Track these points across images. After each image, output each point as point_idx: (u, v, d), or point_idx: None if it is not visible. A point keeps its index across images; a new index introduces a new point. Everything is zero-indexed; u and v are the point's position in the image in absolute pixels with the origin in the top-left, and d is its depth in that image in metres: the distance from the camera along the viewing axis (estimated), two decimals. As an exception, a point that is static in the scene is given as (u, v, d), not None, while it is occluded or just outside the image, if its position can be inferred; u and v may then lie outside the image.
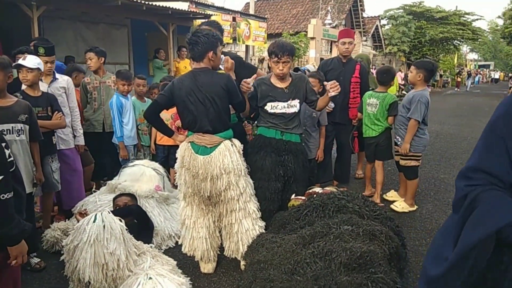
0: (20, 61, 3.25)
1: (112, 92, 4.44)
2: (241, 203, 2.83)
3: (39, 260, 3.11)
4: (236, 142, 2.90)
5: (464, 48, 44.97)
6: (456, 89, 25.72)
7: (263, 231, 2.94)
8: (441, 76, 31.95)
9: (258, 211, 2.94)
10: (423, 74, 3.97)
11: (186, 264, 3.14)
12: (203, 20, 10.46)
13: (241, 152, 2.89)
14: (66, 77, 3.92)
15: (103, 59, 4.40)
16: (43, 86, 3.67)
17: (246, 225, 2.86)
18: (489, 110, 12.57)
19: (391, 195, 4.62)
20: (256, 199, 2.98)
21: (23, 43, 6.45)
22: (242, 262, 2.93)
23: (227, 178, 2.75)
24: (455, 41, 30.49)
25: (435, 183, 5.41)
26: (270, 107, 3.17)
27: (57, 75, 3.84)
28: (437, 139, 8.65)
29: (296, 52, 14.67)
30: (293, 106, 3.18)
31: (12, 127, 2.81)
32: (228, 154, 2.77)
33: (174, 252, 3.33)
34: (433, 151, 7.39)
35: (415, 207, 4.37)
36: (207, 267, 3.04)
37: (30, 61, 3.25)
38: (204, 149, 2.77)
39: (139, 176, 3.78)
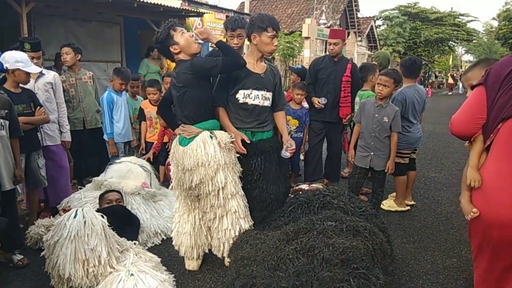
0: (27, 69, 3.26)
1: (90, 89, 4.38)
2: (220, 199, 2.69)
3: (22, 257, 3.06)
4: (218, 133, 2.73)
5: (460, 49, 45.17)
6: (449, 92, 25.71)
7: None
8: (436, 77, 32.10)
9: (244, 210, 2.79)
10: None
11: (171, 261, 3.10)
12: (195, 18, 10.47)
13: (225, 145, 2.68)
14: (53, 73, 3.88)
15: (79, 56, 4.33)
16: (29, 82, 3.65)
17: (226, 223, 2.75)
18: None
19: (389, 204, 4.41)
20: (244, 198, 2.83)
21: (14, 39, 6.42)
22: (227, 259, 2.90)
23: (202, 171, 2.63)
24: (450, 42, 30.65)
25: (425, 182, 5.40)
26: (242, 95, 2.88)
27: (44, 71, 3.80)
28: (430, 139, 8.68)
29: (291, 51, 14.72)
30: (267, 99, 2.96)
31: None
32: (203, 145, 2.64)
33: (160, 249, 3.30)
34: (424, 150, 7.40)
35: (406, 207, 4.29)
36: (191, 264, 2.98)
37: (30, 68, 3.28)
38: (185, 140, 2.72)
39: (126, 173, 3.75)
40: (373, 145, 3.72)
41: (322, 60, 4.77)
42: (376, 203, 3.84)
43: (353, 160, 3.91)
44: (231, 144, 2.75)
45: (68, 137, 3.89)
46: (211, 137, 2.69)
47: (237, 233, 2.76)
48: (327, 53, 4.75)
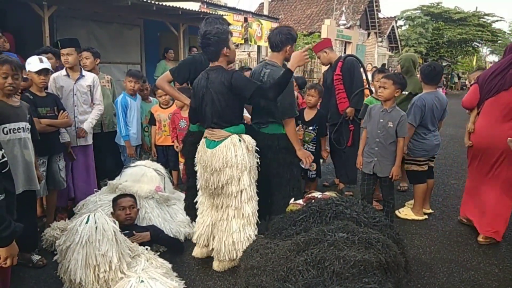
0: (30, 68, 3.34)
1: (107, 92, 4.45)
2: (238, 201, 2.84)
3: (40, 257, 3.13)
4: (246, 137, 2.92)
5: (484, 50, 44.03)
6: None
7: (252, 238, 2.91)
8: (459, 78, 31.37)
9: (254, 217, 2.92)
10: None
11: (183, 267, 3.11)
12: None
13: (252, 148, 2.90)
14: (92, 75, 4.01)
15: (98, 60, 4.44)
16: (69, 83, 3.81)
17: (235, 226, 2.87)
18: None
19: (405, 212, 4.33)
20: (256, 203, 2.95)
21: (35, 42, 6.57)
22: (215, 264, 3.01)
23: (229, 171, 2.79)
24: (474, 42, 29.90)
25: (444, 189, 5.27)
26: None
27: (84, 72, 3.93)
28: (451, 143, 8.46)
29: (309, 53, 14.66)
30: None
31: (25, 125, 2.88)
32: (233, 148, 2.81)
33: (172, 254, 3.30)
34: (445, 155, 7.22)
35: (424, 216, 4.18)
36: (197, 251, 3.16)
37: (35, 65, 3.32)
38: (213, 143, 2.87)
39: (140, 177, 3.78)
40: (377, 150, 3.64)
41: (326, 73, 4.93)
42: (388, 211, 3.73)
43: (361, 166, 3.85)
44: (256, 148, 2.96)
45: (87, 127, 3.91)
46: (240, 141, 2.87)
47: (242, 239, 2.85)
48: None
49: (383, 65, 20.70)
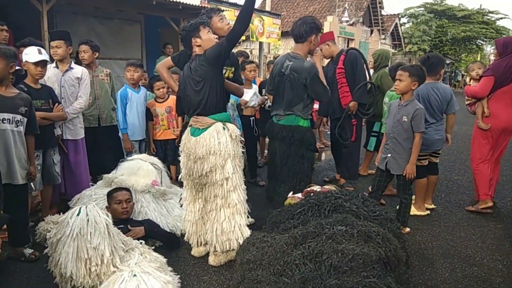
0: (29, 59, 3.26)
1: (106, 86, 4.35)
2: (225, 190, 2.81)
3: (33, 250, 3.07)
4: (230, 126, 2.89)
5: (488, 48, 43.74)
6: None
7: (244, 228, 2.87)
8: (463, 76, 31.15)
9: (243, 206, 2.89)
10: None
11: (178, 262, 3.04)
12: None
13: (235, 137, 2.87)
14: (81, 68, 3.92)
15: (97, 53, 4.33)
16: (57, 75, 3.73)
17: (223, 215, 2.84)
18: None
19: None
20: (245, 192, 2.91)
21: (34, 37, 6.51)
22: (211, 258, 2.98)
23: (213, 159, 2.76)
24: (478, 40, 29.69)
25: (447, 185, 5.18)
26: None
27: (73, 65, 3.85)
28: (454, 140, 8.25)
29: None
30: None
31: (12, 117, 2.82)
32: (216, 135, 2.78)
33: (167, 249, 3.23)
34: (448, 151, 7.12)
35: (426, 212, 4.09)
36: (194, 250, 3.14)
37: (33, 56, 3.24)
38: (198, 131, 2.85)
39: (136, 170, 3.71)
40: (390, 146, 3.54)
41: (327, 66, 4.79)
42: (401, 211, 3.59)
43: (377, 162, 3.77)
44: (240, 137, 2.95)
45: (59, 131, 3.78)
46: (224, 129, 2.83)
47: (232, 228, 2.82)
48: None
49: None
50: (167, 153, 4.55)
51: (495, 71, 3.96)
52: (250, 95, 4.73)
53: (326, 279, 2.06)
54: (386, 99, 4.43)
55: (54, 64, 3.78)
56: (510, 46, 3.97)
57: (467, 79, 5.44)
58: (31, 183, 3.17)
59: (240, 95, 3.44)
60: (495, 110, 4.04)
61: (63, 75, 3.74)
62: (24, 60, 3.29)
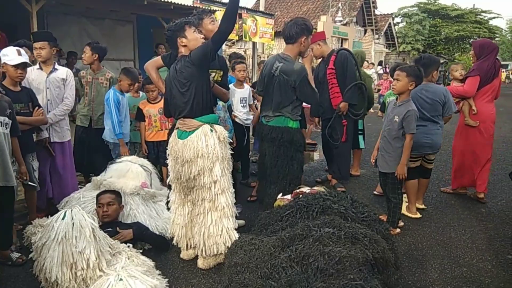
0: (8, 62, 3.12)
1: (102, 91, 4.29)
2: (212, 193, 2.78)
3: (20, 254, 3.04)
4: (218, 128, 2.86)
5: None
6: None
7: (232, 231, 2.85)
8: (455, 75, 31.26)
9: (230, 209, 2.86)
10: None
11: (167, 265, 3.02)
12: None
13: (223, 139, 2.84)
14: (66, 69, 3.87)
15: (97, 55, 4.26)
16: (41, 76, 3.66)
17: (210, 219, 2.81)
18: (504, 110, 12.18)
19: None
20: (233, 195, 2.89)
21: (26, 38, 6.45)
22: (200, 261, 2.95)
23: (201, 162, 2.73)
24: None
25: (438, 185, 5.19)
26: None
27: (57, 66, 3.79)
28: (447, 139, 8.32)
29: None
30: None
31: (3, 119, 2.79)
32: (204, 137, 2.75)
33: (156, 252, 3.20)
34: (440, 151, 7.10)
35: (417, 214, 4.04)
36: (183, 253, 3.12)
37: (13, 58, 3.12)
38: (185, 133, 2.81)
39: (125, 173, 3.68)
40: (381, 145, 3.58)
41: (318, 66, 4.80)
42: (391, 211, 3.60)
43: (373, 161, 3.80)
44: (229, 139, 2.93)
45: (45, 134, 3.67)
46: (211, 131, 2.80)
47: (219, 232, 2.80)
48: None
49: (380, 62, 20.65)
50: (159, 154, 4.50)
51: (480, 71, 4.22)
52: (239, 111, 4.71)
53: (312, 282, 2.05)
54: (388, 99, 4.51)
55: (37, 66, 3.72)
56: (486, 48, 4.25)
57: (452, 82, 5.47)
58: (30, 183, 3.23)
59: (225, 100, 3.40)
60: (480, 107, 4.35)
61: (47, 77, 3.66)
62: (2, 62, 3.13)
